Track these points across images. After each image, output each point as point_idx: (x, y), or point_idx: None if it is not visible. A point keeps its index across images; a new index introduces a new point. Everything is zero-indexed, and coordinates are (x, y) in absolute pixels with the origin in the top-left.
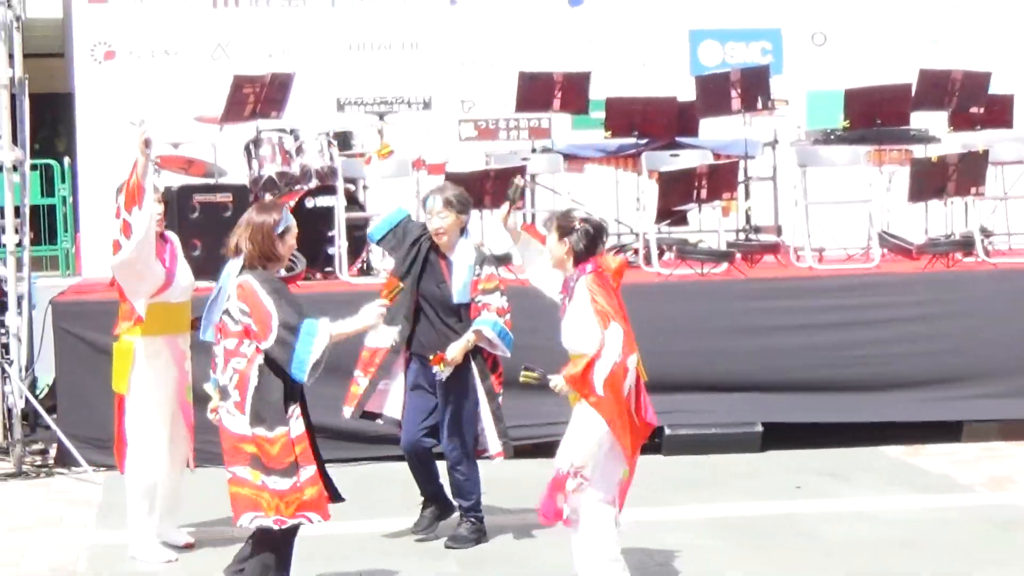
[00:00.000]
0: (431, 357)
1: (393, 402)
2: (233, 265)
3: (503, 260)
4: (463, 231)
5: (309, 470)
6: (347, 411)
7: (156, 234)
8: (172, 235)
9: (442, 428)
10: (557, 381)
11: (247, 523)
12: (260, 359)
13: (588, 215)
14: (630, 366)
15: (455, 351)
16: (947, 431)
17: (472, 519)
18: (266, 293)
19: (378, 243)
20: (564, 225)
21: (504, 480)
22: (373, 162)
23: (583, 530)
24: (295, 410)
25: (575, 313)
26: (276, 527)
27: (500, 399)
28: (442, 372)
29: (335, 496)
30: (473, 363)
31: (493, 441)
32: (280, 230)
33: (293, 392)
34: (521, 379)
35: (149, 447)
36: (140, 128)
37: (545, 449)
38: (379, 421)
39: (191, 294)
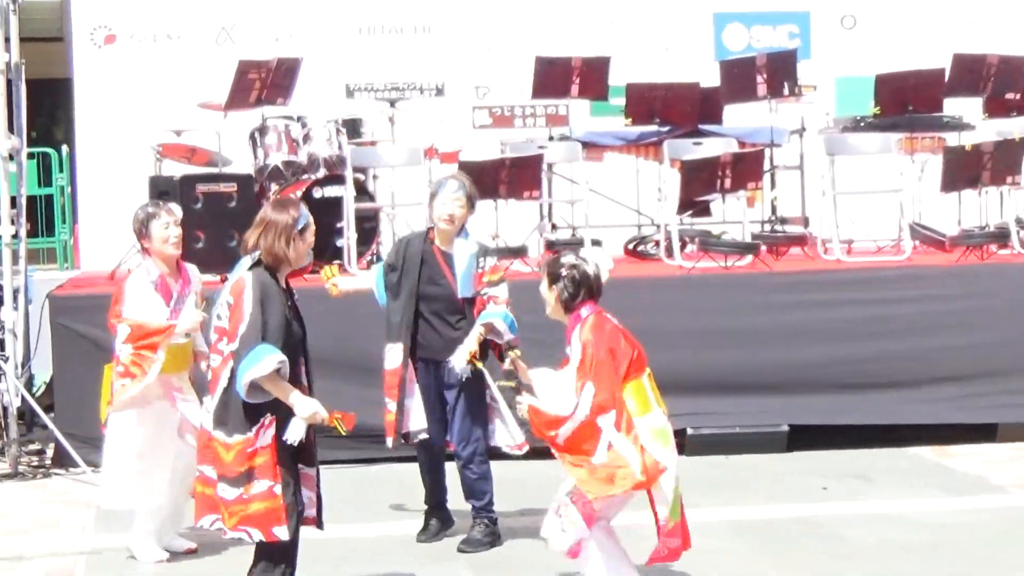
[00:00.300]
0: (439, 359)
1: (418, 416)
2: (245, 262)
3: (519, 252)
4: (462, 229)
5: (261, 484)
6: (389, 442)
7: (173, 262)
8: (191, 268)
9: (453, 426)
10: (523, 410)
11: (207, 525)
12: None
13: (578, 262)
14: (602, 426)
15: (472, 343)
16: (980, 430)
17: (486, 520)
18: (253, 298)
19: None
20: (553, 272)
21: (516, 481)
22: (340, 285)
23: (587, 561)
24: (268, 420)
25: (570, 365)
26: (221, 536)
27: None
28: (467, 369)
29: (317, 523)
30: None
31: (516, 431)
32: (300, 227)
33: (271, 401)
34: (498, 384)
35: (122, 472)
36: (199, 314)
37: None
38: (423, 436)
39: (196, 331)
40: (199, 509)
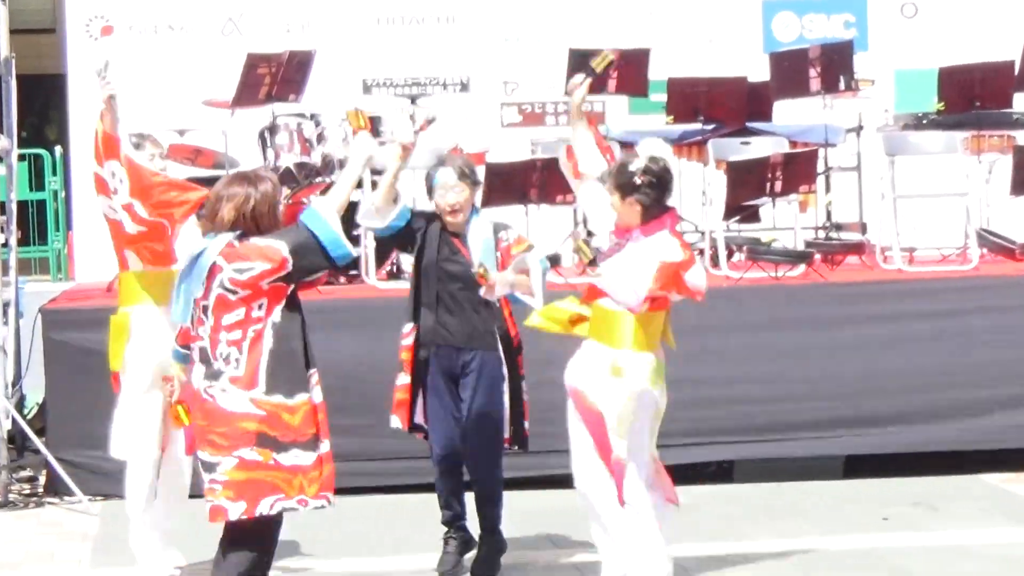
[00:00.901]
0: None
1: (423, 411)
2: (216, 240)
3: (552, 261)
4: (473, 207)
5: (326, 444)
6: (395, 420)
7: None
8: None
9: (470, 426)
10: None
11: (267, 509)
12: (276, 316)
13: (649, 163)
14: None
15: (509, 274)
16: None
17: (497, 535)
18: (260, 238)
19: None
20: (624, 183)
21: (531, 512)
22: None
23: (625, 526)
24: (315, 376)
25: (651, 248)
26: (301, 508)
27: (524, 384)
28: (487, 291)
29: None
30: (500, 345)
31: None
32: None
33: (311, 357)
34: (573, 249)
35: (146, 425)
36: (103, 81)
37: None
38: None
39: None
40: (254, 495)
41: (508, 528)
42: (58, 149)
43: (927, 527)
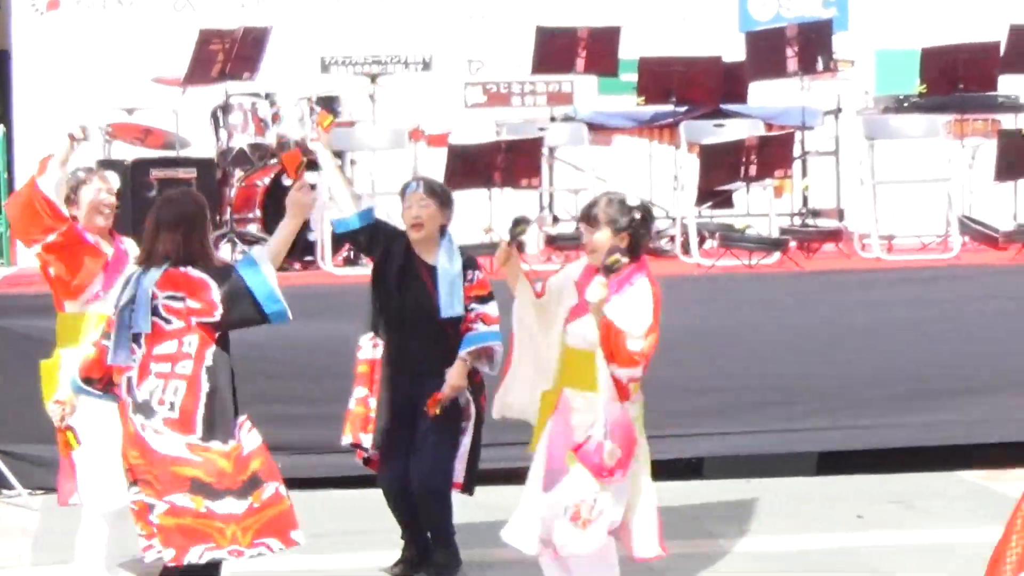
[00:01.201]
0: (424, 390)
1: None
2: (151, 273)
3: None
4: (443, 231)
5: (269, 488)
6: (351, 439)
7: (104, 234)
8: (128, 241)
9: (422, 454)
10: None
11: (196, 558)
12: (208, 360)
13: (637, 202)
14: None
15: (454, 379)
16: None
17: (451, 545)
18: (196, 269)
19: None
20: (616, 217)
21: (491, 507)
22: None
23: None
24: (245, 422)
25: (633, 298)
26: (233, 558)
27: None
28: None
29: None
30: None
31: (459, 468)
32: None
33: (237, 404)
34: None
35: (100, 471)
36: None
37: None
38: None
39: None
40: (183, 543)
41: (467, 523)
42: (1, 128)
43: (903, 525)
